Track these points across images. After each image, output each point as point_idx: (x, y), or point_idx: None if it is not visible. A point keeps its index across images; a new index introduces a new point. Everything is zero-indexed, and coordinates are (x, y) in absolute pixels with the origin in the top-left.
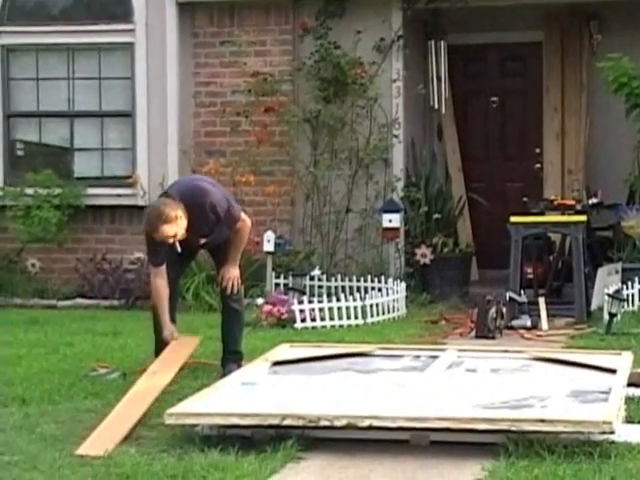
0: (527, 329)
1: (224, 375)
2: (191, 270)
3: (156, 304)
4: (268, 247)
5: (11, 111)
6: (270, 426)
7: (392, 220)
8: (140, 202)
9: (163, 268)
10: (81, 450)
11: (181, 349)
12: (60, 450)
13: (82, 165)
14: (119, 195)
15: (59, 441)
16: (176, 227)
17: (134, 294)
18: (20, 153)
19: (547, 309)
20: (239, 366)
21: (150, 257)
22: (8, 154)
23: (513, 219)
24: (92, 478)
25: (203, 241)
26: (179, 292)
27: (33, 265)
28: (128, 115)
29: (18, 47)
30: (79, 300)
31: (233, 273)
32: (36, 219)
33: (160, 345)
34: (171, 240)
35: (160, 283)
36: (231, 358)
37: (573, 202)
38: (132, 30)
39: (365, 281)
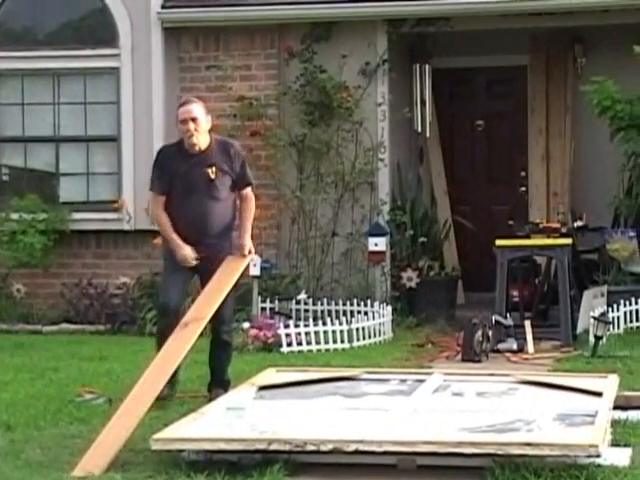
0: (513, 352)
1: (211, 400)
2: None
3: (163, 230)
4: (254, 271)
5: None
6: (257, 451)
7: (378, 244)
8: (126, 227)
9: (162, 199)
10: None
11: (229, 272)
12: (45, 476)
13: (68, 190)
14: (105, 220)
15: (44, 467)
16: (202, 116)
17: (120, 319)
18: (5, 178)
19: (533, 332)
20: (225, 391)
21: (153, 183)
22: None
23: (499, 242)
24: None
25: (211, 175)
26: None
27: (18, 290)
28: (114, 140)
29: (4, 72)
30: (65, 325)
31: (249, 242)
32: (21, 244)
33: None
34: (191, 126)
35: (161, 212)
36: (218, 384)
37: (558, 225)
38: (118, 55)
39: (351, 305)
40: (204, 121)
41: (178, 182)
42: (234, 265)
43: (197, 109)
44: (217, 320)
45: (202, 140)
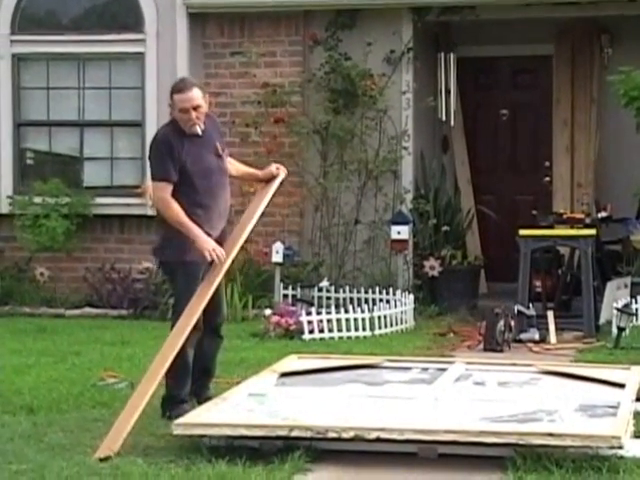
0: (535, 342)
1: (204, 401)
2: None
3: (183, 221)
4: (277, 258)
5: (21, 120)
6: (278, 437)
7: (401, 232)
8: (149, 212)
9: (171, 188)
10: None
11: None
12: (68, 459)
13: (91, 174)
14: (128, 205)
15: (67, 450)
16: (202, 101)
17: (142, 304)
18: (30, 162)
19: (555, 323)
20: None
21: (165, 171)
22: (18, 163)
23: (522, 232)
24: None
25: (220, 151)
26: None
27: (42, 274)
28: (138, 125)
29: (29, 56)
30: (87, 309)
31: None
32: (43, 228)
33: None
34: (193, 115)
35: (174, 201)
36: (208, 387)
37: (582, 216)
38: (143, 40)
39: (373, 293)
40: (204, 105)
41: (194, 165)
42: (266, 189)
43: (198, 94)
44: (220, 316)
45: (201, 123)
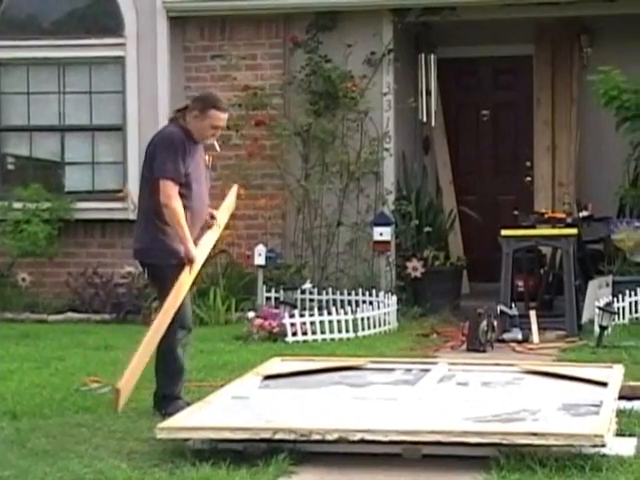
0: (518, 342)
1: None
2: None
3: (180, 225)
4: (259, 261)
5: (1, 125)
6: (262, 440)
7: (383, 233)
8: (131, 216)
9: (177, 187)
10: None
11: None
12: (51, 465)
13: (73, 179)
14: (110, 209)
15: (50, 456)
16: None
17: (125, 308)
18: (11, 167)
19: (538, 322)
20: None
21: (173, 167)
22: None
23: (504, 232)
24: None
25: (207, 162)
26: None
27: (24, 279)
28: (119, 129)
29: (9, 61)
30: (70, 314)
31: None
32: (25, 233)
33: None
34: (218, 133)
35: (180, 204)
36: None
37: (564, 215)
38: (123, 44)
39: (356, 294)
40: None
41: (193, 171)
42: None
43: (226, 116)
44: (191, 320)
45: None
